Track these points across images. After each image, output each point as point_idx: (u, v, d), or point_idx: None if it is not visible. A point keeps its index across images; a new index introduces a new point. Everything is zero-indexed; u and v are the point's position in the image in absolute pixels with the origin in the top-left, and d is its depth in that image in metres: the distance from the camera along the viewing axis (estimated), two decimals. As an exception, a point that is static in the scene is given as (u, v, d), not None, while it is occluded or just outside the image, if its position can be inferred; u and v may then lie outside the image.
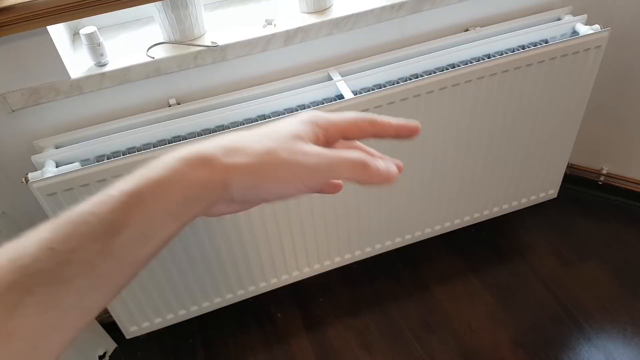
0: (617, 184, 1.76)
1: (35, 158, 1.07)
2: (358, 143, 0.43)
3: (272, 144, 0.36)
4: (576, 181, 1.81)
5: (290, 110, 1.17)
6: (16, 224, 1.24)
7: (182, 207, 0.33)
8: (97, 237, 0.30)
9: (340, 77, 1.20)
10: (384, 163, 0.39)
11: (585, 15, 1.30)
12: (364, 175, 0.38)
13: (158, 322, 1.36)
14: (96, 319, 1.48)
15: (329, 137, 0.40)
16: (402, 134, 0.42)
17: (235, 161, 0.34)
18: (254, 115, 1.16)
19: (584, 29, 1.27)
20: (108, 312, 1.33)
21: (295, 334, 1.51)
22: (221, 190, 0.34)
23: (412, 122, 0.42)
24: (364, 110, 1.14)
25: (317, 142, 0.38)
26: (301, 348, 1.47)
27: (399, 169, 0.41)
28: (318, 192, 0.44)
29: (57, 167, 1.06)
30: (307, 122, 0.39)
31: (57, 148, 1.11)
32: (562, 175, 1.56)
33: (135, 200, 0.31)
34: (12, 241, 0.30)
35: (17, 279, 0.28)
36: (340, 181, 0.46)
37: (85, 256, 0.29)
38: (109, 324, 1.47)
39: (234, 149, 0.35)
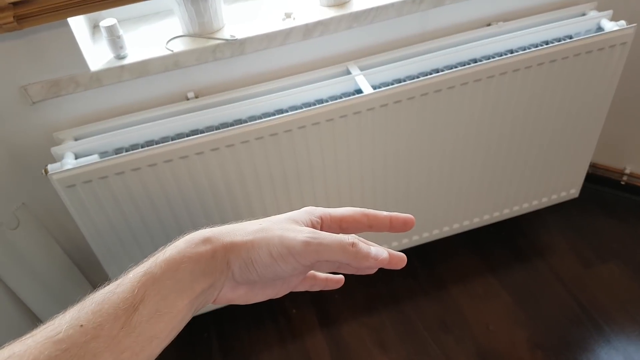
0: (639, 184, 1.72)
1: (54, 150, 1.07)
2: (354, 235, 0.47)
3: (267, 223, 0.41)
4: (598, 180, 1.77)
5: (308, 105, 1.16)
6: (36, 215, 1.25)
7: (189, 282, 0.37)
8: (119, 314, 0.34)
9: (360, 72, 1.19)
10: (374, 248, 0.41)
11: (611, 10, 1.27)
12: (353, 254, 0.40)
13: (174, 315, 1.36)
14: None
15: (325, 227, 0.43)
16: (396, 226, 0.45)
17: (232, 239, 0.39)
18: (271, 110, 1.15)
19: (609, 25, 1.24)
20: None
21: (310, 330, 1.50)
22: (223, 267, 0.38)
23: (406, 215, 0.45)
24: (383, 106, 1.13)
25: (314, 228, 0.42)
26: (316, 345, 1.47)
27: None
28: (320, 289, 0.50)
29: (76, 159, 1.06)
30: (304, 212, 0.43)
31: (76, 140, 1.11)
32: (584, 174, 1.53)
33: (149, 279, 0.36)
34: (48, 321, 0.34)
35: (54, 353, 0.32)
36: (341, 276, 0.50)
37: (111, 331, 0.33)
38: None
39: (232, 231, 0.40)
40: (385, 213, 0.45)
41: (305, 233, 0.39)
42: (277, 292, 0.44)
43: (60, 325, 0.33)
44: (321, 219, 0.43)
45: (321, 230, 0.42)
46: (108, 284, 0.36)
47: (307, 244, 0.39)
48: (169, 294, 0.36)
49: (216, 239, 0.39)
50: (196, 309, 0.38)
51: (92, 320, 0.33)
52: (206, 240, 0.38)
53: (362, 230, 0.45)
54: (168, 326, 0.35)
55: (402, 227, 0.45)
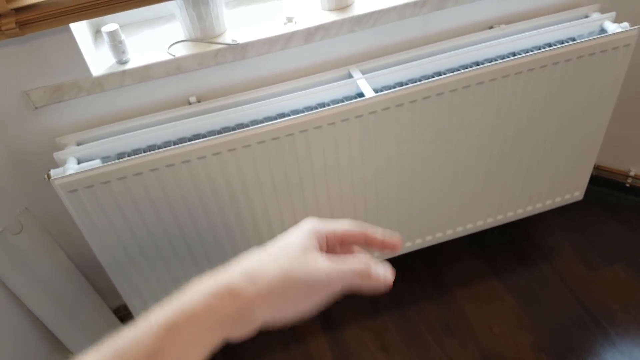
0: (645, 186, 1.71)
1: (57, 155, 1.08)
2: (356, 248, 0.50)
3: (287, 264, 0.41)
4: (603, 183, 1.77)
5: (310, 109, 1.16)
6: (39, 219, 1.26)
7: (211, 337, 0.38)
8: None
9: (362, 75, 1.18)
10: (382, 270, 0.45)
11: (614, 12, 1.27)
12: (368, 282, 0.43)
13: (177, 319, 1.36)
14: (115, 314, 1.50)
15: (329, 244, 0.46)
16: (387, 248, 0.48)
17: (257, 290, 0.39)
18: (273, 114, 1.15)
19: (612, 27, 1.24)
20: (127, 308, 1.33)
21: (313, 333, 1.50)
22: (249, 321, 0.39)
23: (396, 241, 0.49)
24: (385, 109, 1.13)
25: (322, 250, 0.44)
26: (319, 348, 1.46)
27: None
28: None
29: (78, 164, 1.07)
30: (311, 233, 0.44)
31: (78, 145, 1.12)
32: (588, 176, 1.52)
33: (171, 330, 0.36)
34: None
35: None
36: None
37: None
38: (128, 320, 1.48)
39: (255, 274, 0.40)
40: (379, 235, 0.47)
41: (324, 273, 0.41)
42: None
43: None
44: (327, 237, 0.45)
45: (326, 246, 0.45)
46: (127, 328, 0.37)
47: (328, 283, 0.42)
48: (189, 347, 0.36)
49: (242, 291, 0.39)
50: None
51: None
52: (232, 294, 0.39)
53: (358, 245, 0.48)
54: None
55: (391, 248, 0.49)
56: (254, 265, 0.41)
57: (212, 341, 0.38)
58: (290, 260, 0.42)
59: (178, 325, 0.36)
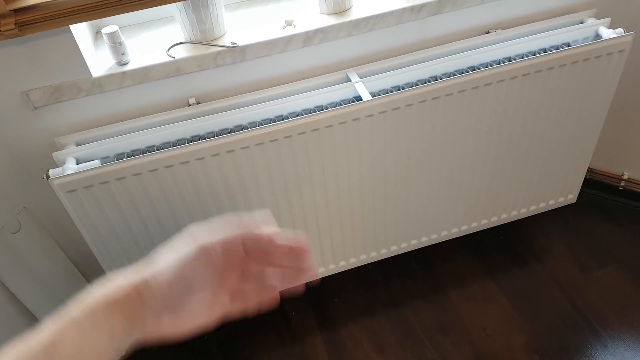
0: (638, 190, 1.73)
1: (56, 155, 1.08)
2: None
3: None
4: (596, 186, 1.78)
5: (308, 111, 1.17)
6: (37, 219, 1.26)
7: (106, 320, 0.39)
8: (38, 354, 0.37)
9: (359, 79, 1.20)
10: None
11: (609, 18, 1.28)
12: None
13: (174, 318, 1.37)
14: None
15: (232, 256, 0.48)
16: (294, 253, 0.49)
17: (152, 274, 0.43)
18: (272, 116, 1.16)
19: (607, 33, 1.25)
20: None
21: (309, 333, 1.51)
22: (137, 302, 0.41)
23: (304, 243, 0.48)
24: (382, 113, 1.14)
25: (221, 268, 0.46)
26: (315, 348, 1.47)
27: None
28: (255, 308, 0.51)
29: (77, 164, 1.07)
30: (202, 251, 0.47)
31: (77, 145, 1.12)
32: (582, 179, 1.54)
33: (68, 320, 0.39)
34: None
35: None
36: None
37: None
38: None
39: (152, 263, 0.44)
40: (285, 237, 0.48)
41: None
42: (203, 314, 0.47)
43: None
44: (220, 249, 0.47)
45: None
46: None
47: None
48: (88, 333, 0.39)
49: (130, 280, 0.42)
50: (121, 346, 0.41)
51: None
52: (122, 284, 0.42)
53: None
54: None
55: (298, 260, 0.48)
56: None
57: (108, 325, 0.39)
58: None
59: (75, 317, 0.39)
